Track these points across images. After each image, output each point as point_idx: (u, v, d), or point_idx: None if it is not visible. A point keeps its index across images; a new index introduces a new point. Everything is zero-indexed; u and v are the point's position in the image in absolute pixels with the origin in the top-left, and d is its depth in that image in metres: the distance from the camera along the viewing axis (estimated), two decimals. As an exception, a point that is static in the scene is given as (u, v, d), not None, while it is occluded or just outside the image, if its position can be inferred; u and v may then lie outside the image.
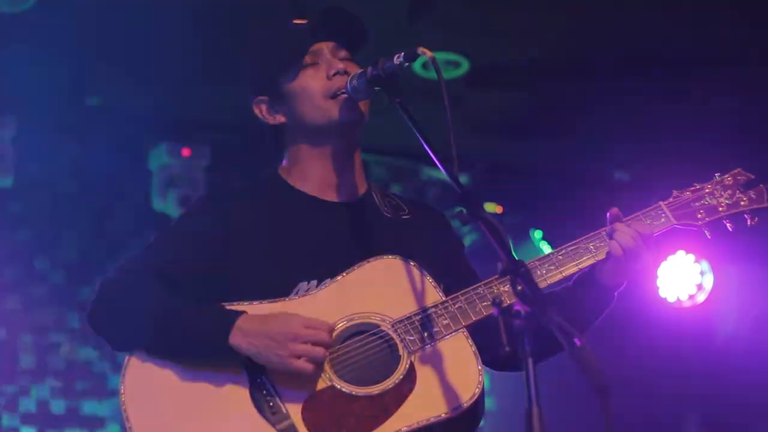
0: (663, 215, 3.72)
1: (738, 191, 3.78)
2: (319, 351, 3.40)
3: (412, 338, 3.47)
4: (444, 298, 3.52)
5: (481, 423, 3.55)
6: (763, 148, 6.89)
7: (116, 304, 3.63)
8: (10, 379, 7.85)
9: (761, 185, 3.80)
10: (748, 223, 3.77)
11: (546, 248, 8.26)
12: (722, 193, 3.78)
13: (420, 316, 3.48)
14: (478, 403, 3.44)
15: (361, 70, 3.63)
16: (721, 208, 3.76)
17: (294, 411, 3.44)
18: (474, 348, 3.47)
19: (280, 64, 3.80)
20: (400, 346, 3.47)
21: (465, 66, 7.52)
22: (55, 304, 8.02)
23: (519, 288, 2.89)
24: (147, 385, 3.52)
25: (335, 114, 3.69)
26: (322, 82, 3.72)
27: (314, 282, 3.59)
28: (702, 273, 8.93)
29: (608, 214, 3.70)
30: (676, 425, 9.11)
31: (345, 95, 3.66)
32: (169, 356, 3.52)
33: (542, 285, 3.55)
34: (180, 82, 7.75)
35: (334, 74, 3.71)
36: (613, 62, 7.58)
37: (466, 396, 3.39)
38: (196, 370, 3.50)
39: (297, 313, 3.46)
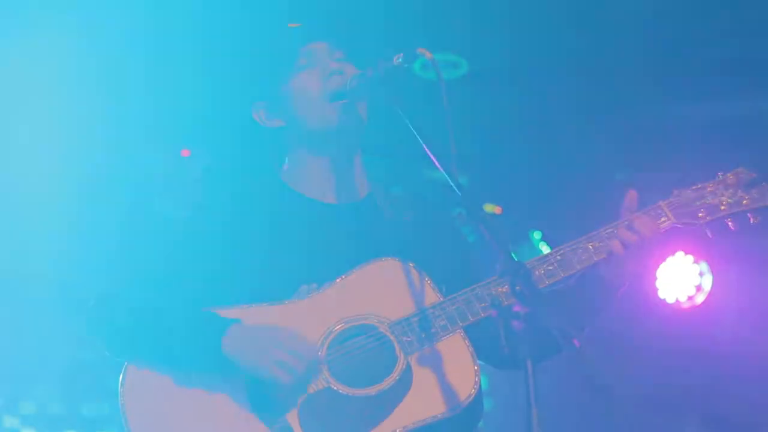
0: (663, 215, 3.69)
1: (740, 190, 3.73)
2: (299, 366, 3.42)
3: (409, 339, 3.47)
4: (442, 299, 3.52)
5: (480, 423, 3.55)
6: (764, 148, 6.88)
7: (114, 312, 3.65)
8: (9, 380, 7.84)
9: (764, 183, 3.75)
10: (751, 221, 3.74)
11: (545, 249, 8.25)
12: (724, 191, 3.73)
13: (417, 318, 3.49)
14: (476, 403, 3.44)
15: (360, 70, 3.63)
16: (722, 207, 3.72)
17: (290, 412, 3.45)
18: (471, 348, 3.47)
19: (273, 67, 3.80)
20: (397, 347, 3.47)
21: (464, 67, 7.52)
22: (55, 305, 8.00)
23: (518, 289, 2.88)
24: (146, 388, 3.54)
25: (335, 120, 3.69)
26: (318, 83, 3.72)
27: (314, 285, 3.60)
28: (701, 274, 8.93)
29: (626, 197, 3.69)
30: (675, 426, 9.10)
31: (343, 99, 3.66)
32: (165, 363, 3.54)
33: (541, 286, 3.54)
34: (179, 82, 7.74)
35: (330, 75, 3.70)
36: (613, 62, 7.58)
37: (463, 396, 3.39)
38: (194, 374, 3.51)
39: (284, 327, 3.47)
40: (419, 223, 3.83)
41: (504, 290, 3.50)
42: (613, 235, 3.62)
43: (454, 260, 3.75)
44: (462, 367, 3.45)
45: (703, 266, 8.93)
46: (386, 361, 3.47)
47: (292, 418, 3.45)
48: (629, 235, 3.58)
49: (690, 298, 8.93)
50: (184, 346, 3.51)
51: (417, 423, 3.39)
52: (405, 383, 3.44)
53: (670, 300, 8.93)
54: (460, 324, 3.49)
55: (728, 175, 3.78)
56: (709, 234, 3.74)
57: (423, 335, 3.47)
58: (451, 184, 3.27)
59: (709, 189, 3.75)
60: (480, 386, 3.43)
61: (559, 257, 3.61)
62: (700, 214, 3.71)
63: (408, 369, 3.45)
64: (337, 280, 3.60)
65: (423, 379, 3.44)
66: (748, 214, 3.74)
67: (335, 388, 3.46)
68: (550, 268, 3.59)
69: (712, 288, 8.91)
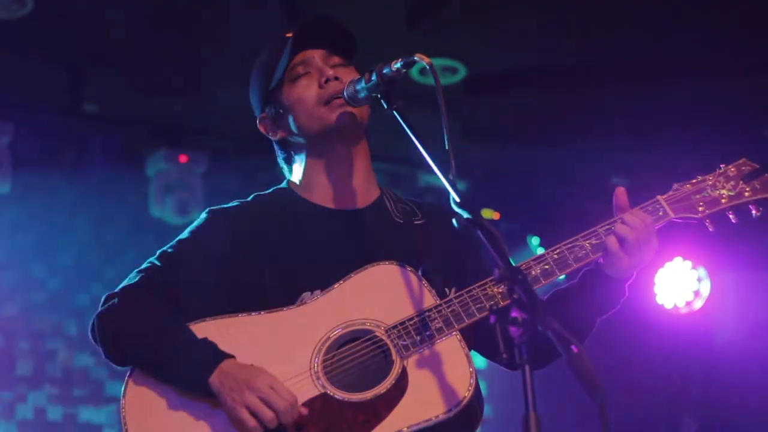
0: (661, 209, 3.64)
1: (742, 181, 3.67)
2: (268, 414, 3.39)
3: (404, 343, 3.47)
4: (438, 302, 3.52)
5: (479, 427, 3.54)
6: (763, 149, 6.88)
7: (116, 321, 3.68)
8: (7, 386, 7.84)
9: (767, 174, 3.68)
10: (753, 214, 3.67)
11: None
12: (725, 184, 3.68)
13: (413, 321, 3.49)
14: (472, 406, 3.42)
15: (358, 76, 3.63)
16: (723, 200, 3.66)
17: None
18: (467, 350, 3.46)
19: (270, 77, 3.81)
20: (393, 351, 3.47)
21: (462, 72, 7.53)
22: (53, 311, 8.01)
23: (516, 295, 2.88)
24: (147, 399, 3.56)
25: (329, 119, 3.69)
26: (315, 90, 3.72)
27: (318, 292, 3.60)
28: (699, 279, 8.95)
29: (615, 194, 3.64)
30: (673, 430, 9.11)
31: (339, 99, 3.66)
32: (158, 378, 3.57)
33: (538, 285, 3.52)
34: (178, 89, 7.76)
35: (326, 81, 3.71)
36: (610, 69, 7.59)
37: (458, 398, 3.38)
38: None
39: (270, 374, 3.46)
40: (431, 226, 3.81)
41: (500, 291, 3.49)
42: (609, 231, 3.58)
43: (467, 263, 3.73)
44: (457, 369, 3.43)
45: (701, 272, 8.94)
46: (383, 365, 3.47)
47: (290, 424, 3.45)
48: (625, 231, 3.54)
49: (688, 303, 8.95)
50: (177, 373, 3.54)
51: (412, 426, 3.38)
52: (401, 387, 3.43)
53: (669, 306, 8.94)
54: (456, 326, 3.48)
55: (730, 167, 3.71)
56: (710, 228, 3.67)
57: (418, 338, 3.47)
58: (449, 189, 3.26)
59: (709, 182, 3.69)
60: (476, 388, 3.42)
61: (555, 256, 3.57)
62: (700, 208, 3.65)
63: (404, 373, 3.45)
64: (335, 286, 3.60)
65: (418, 382, 3.44)
66: (750, 206, 3.66)
67: (331, 393, 3.46)
68: (547, 267, 3.56)
69: (710, 293, 8.93)
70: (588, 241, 3.59)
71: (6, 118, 7.74)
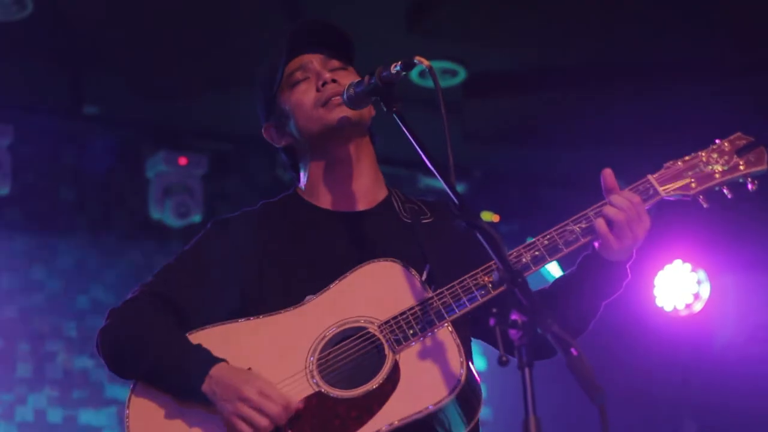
0: (651, 188, 3.58)
1: (736, 156, 3.58)
2: (262, 422, 3.41)
3: (396, 337, 3.47)
4: (430, 295, 3.51)
5: (477, 418, 3.51)
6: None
7: (115, 336, 3.72)
8: (7, 388, 7.84)
9: (761, 147, 3.59)
10: (749, 188, 3.58)
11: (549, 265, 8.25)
12: (719, 159, 3.59)
13: (405, 315, 3.49)
14: (464, 395, 3.41)
15: (358, 78, 3.63)
16: (717, 175, 3.57)
17: None
18: (458, 341, 3.45)
19: (270, 85, 3.82)
20: (386, 346, 3.47)
21: (462, 75, 7.53)
22: (53, 313, 8.01)
23: (515, 298, 2.88)
24: (150, 410, 3.59)
25: (327, 119, 3.70)
26: (313, 94, 3.73)
27: (323, 290, 3.62)
28: (699, 282, 8.94)
29: (602, 176, 3.60)
30: (673, 434, 9.12)
31: (337, 99, 3.67)
32: (158, 388, 3.60)
33: (529, 272, 3.51)
34: (177, 91, 7.76)
35: (323, 84, 3.71)
36: (610, 71, 7.59)
37: (448, 388, 3.37)
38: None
39: (261, 378, 3.48)
40: (440, 224, 3.80)
41: (490, 279, 3.48)
42: (598, 214, 3.54)
43: (477, 260, 3.71)
44: (448, 361, 3.42)
45: (701, 274, 8.94)
46: (376, 361, 3.48)
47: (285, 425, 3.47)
48: (613, 212, 3.49)
49: (688, 306, 8.95)
50: (171, 382, 3.57)
51: (403, 420, 3.38)
52: (393, 381, 3.43)
53: (668, 308, 8.94)
54: (447, 317, 3.48)
55: (724, 142, 3.64)
56: (704, 204, 3.58)
57: (410, 332, 3.46)
58: (449, 192, 3.26)
59: (702, 158, 3.61)
60: (467, 378, 3.39)
61: (546, 242, 3.54)
62: (693, 185, 3.57)
63: (396, 367, 3.45)
64: (331, 286, 3.61)
65: (410, 375, 3.44)
66: (746, 180, 3.57)
67: (325, 391, 3.47)
68: (537, 253, 3.53)
69: (710, 296, 8.92)
70: (578, 225, 3.56)
71: (6, 120, 7.74)
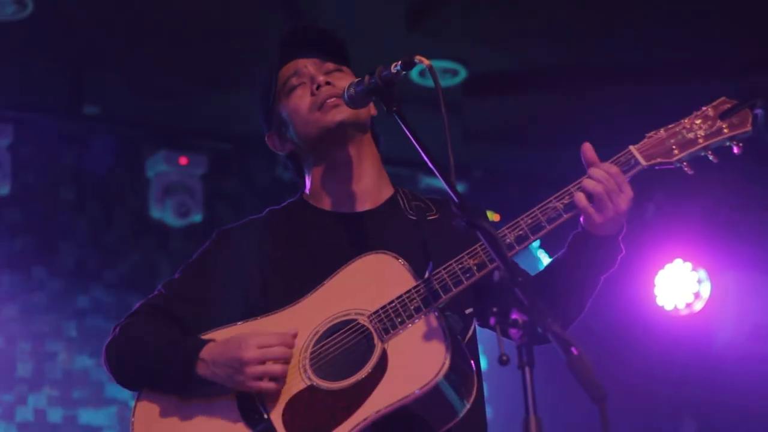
0: (632, 159, 3.53)
1: (719, 120, 3.52)
2: (276, 368, 3.48)
3: (385, 326, 3.48)
4: (417, 282, 3.52)
5: (467, 404, 3.49)
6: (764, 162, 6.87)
7: (118, 349, 3.74)
8: (7, 388, 7.84)
9: (746, 109, 3.52)
10: (735, 151, 3.50)
11: (543, 257, 8.26)
12: (702, 125, 3.52)
13: (393, 304, 3.50)
14: (450, 380, 3.41)
15: (354, 79, 3.63)
16: (699, 140, 3.50)
17: (275, 413, 3.52)
18: (444, 325, 3.45)
19: (266, 95, 3.85)
20: (375, 336, 3.49)
21: (463, 74, 7.53)
22: (53, 312, 8.01)
23: (516, 298, 2.88)
24: (155, 414, 3.65)
25: (324, 121, 3.71)
26: (308, 99, 3.74)
27: (318, 287, 3.64)
28: (699, 281, 8.93)
29: (582, 151, 3.57)
30: (673, 432, 9.11)
31: (332, 100, 3.67)
32: (160, 391, 3.66)
33: (513, 252, 3.49)
34: (177, 90, 7.76)
35: (317, 88, 3.72)
36: (610, 71, 7.59)
37: (432, 372, 3.38)
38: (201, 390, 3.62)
39: (249, 334, 3.54)
40: (446, 220, 3.79)
41: (476, 262, 3.48)
42: (579, 188, 3.51)
43: None
44: (435, 345, 3.43)
45: (702, 273, 8.93)
46: (365, 351, 3.50)
47: (276, 418, 3.51)
48: (591, 185, 3.47)
49: (688, 305, 8.94)
50: (167, 375, 3.62)
51: (390, 405, 3.39)
52: (381, 370, 3.45)
53: (669, 307, 8.93)
54: (434, 303, 3.48)
55: (707, 108, 3.58)
56: (688, 171, 3.50)
57: (398, 320, 3.48)
58: (449, 191, 3.26)
59: (685, 125, 3.55)
60: (452, 362, 3.39)
61: (529, 220, 3.51)
62: (675, 151, 3.51)
63: (384, 356, 3.47)
64: (325, 282, 3.64)
65: (397, 362, 3.45)
66: (731, 143, 3.50)
67: (316, 384, 3.50)
68: (521, 232, 3.50)
69: (710, 295, 8.91)
70: (560, 202, 3.53)
71: (6, 120, 7.75)
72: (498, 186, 8.85)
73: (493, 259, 3.34)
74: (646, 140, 3.57)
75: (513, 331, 2.81)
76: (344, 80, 3.68)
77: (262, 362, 3.47)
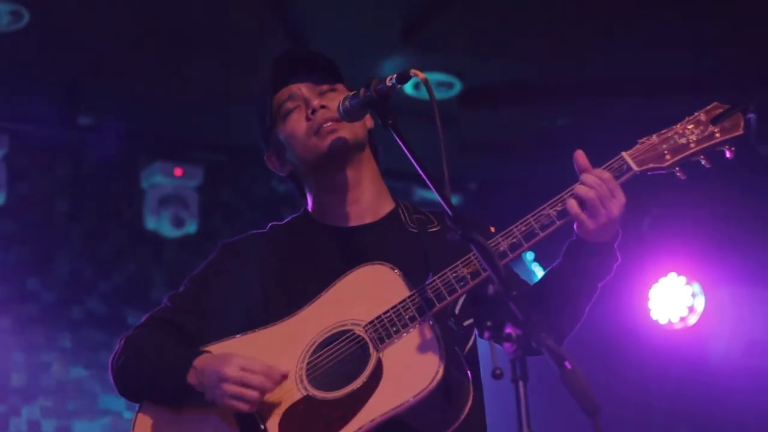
0: (624, 165, 3.53)
1: (711, 124, 3.50)
2: (248, 393, 3.47)
3: (380, 336, 3.50)
4: (412, 291, 3.52)
5: (466, 410, 3.50)
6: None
7: (121, 362, 3.76)
8: (1, 399, 7.83)
9: (738, 113, 3.49)
10: (728, 156, 3.49)
11: (538, 270, 8.26)
12: (694, 130, 3.51)
13: (388, 314, 3.51)
14: (445, 389, 3.41)
15: (351, 92, 3.64)
16: (691, 145, 3.49)
17: (272, 424, 3.53)
18: (438, 334, 3.46)
19: (261, 117, 3.89)
20: (370, 345, 3.50)
21: (458, 87, 7.54)
22: (47, 324, 8.00)
23: (510, 311, 2.88)
24: (153, 424, 3.67)
25: (321, 147, 3.73)
26: (304, 123, 3.76)
27: (315, 299, 3.65)
28: (693, 295, 8.93)
29: (574, 158, 3.57)
30: (667, 447, 9.11)
31: (329, 125, 3.68)
32: (162, 403, 3.68)
33: (507, 260, 3.50)
34: (173, 102, 7.77)
35: (312, 113, 3.74)
36: (605, 83, 7.60)
37: (427, 380, 3.39)
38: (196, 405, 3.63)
39: (238, 354, 3.55)
40: (445, 233, 3.79)
41: (470, 270, 3.48)
42: (571, 195, 3.52)
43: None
44: (429, 354, 3.43)
45: (696, 287, 8.94)
46: (361, 361, 3.51)
47: (272, 428, 3.52)
48: (583, 191, 3.47)
49: (682, 319, 8.94)
50: (162, 383, 3.65)
51: (384, 414, 3.40)
52: (376, 379, 3.47)
53: (663, 321, 8.93)
54: (428, 311, 3.49)
55: (700, 113, 3.55)
56: (681, 176, 3.51)
57: (393, 329, 3.49)
58: (444, 204, 3.27)
59: (677, 130, 3.54)
60: (446, 371, 3.39)
61: (523, 228, 3.53)
62: (667, 156, 3.50)
63: (379, 365, 3.48)
64: (322, 294, 3.65)
65: (392, 371, 3.46)
66: (724, 147, 3.49)
67: (312, 395, 3.52)
68: (514, 240, 3.51)
69: (704, 309, 8.91)
70: (553, 209, 3.54)
71: (1, 131, 7.74)
72: (493, 198, 8.85)
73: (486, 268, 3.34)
74: (638, 146, 3.57)
75: (507, 345, 2.81)
76: (340, 99, 3.69)
77: (240, 383, 3.48)
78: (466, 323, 3.67)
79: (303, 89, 3.81)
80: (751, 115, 3.50)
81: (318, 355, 3.56)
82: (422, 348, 3.46)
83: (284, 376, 3.52)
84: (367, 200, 3.84)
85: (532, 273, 8.15)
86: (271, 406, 3.54)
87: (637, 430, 8.61)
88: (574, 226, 3.55)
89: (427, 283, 3.52)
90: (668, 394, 8.75)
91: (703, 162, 3.52)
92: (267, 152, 3.96)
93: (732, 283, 8.88)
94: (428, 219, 3.88)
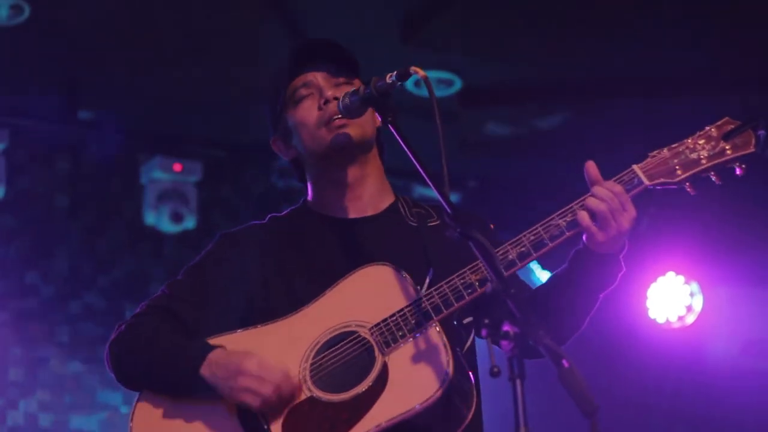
0: (635, 178, 3.52)
1: (722, 141, 3.50)
2: (264, 389, 3.47)
3: (386, 339, 3.48)
4: (419, 296, 3.52)
5: (469, 415, 3.51)
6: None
7: (121, 349, 3.75)
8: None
9: (749, 130, 3.50)
10: (737, 172, 3.50)
11: (537, 268, 8.26)
12: (705, 145, 3.52)
13: (394, 317, 3.50)
14: (451, 395, 3.42)
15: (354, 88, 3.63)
16: (703, 161, 3.50)
17: (275, 424, 3.51)
18: (445, 340, 3.46)
19: (274, 102, 3.85)
20: (375, 348, 3.49)
21: (458, 84, 7.54)
22: (45, 318, 8.00)
23: (508, 309, 2.88)
24: (153, 420, 3.64)
25: (327, 140, 3.71)
26: (315, 112, 3.74)
27: (318, 297, 3.64)
28: (692, 294, 8.94)
29: (585, 169, 3.56)
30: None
31: (339, 120, 3.67)
32: (164, 393, 3.65)
33: (515, 269, 3.50)
34: (173, 97, 7.77)
35: (325, 103, 3.72)
36: (606, 83, 7.60)
37: (434, 387, 3.38)
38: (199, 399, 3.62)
39: (260, 356, 3.53)
40: (444, 229, 3.79)
41: (477, 277, 3.48)
42: (582, 206, 3.51)
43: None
44: (435, 360, 3.43)
45: (694, 286, 8.94)
46: (366, 364, 3.50)
47: (276, 428, 3.50)
48: (595, 204, 3.46)
49: (680, 318, 8.94)
50: (171, 374, 3.62)
51: (390, 420, 3.40)
52: (382, 383, 3.46)
53: (661, 320, 8.94)
54: (435, 317, 3.48)
55: (711, 128, 3.55)
56: (690, 191, 3.52)
57: (399, 333, 3.48)
58: (443, 202, 3.27)
59: (688, 145, 3.54)
60: (453, 377, 3.40)
61: (532, 237, 3.51)
62: (678, 172, 3.51)
63: (384, 369, 3.47)
64: (326, 292, 3.63)
65: (398, 376, 3.46)
66: (734, 165, 3.50)
67: (316, 396, 3.50)
68: (523, 249, 3.51)
69: (702, 308, 8.92)
70: (563, 219, 3.53)
71: (0, 125, 7.74)
72: (492, 196, 8.85)
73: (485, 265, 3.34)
74: (649, 159, 3.57)
75: (504, 343, 2.81)
76: None
77: (258, 377, 3.47)
78: (465, 321, 3.66)
79: (319, 78, 3.78)
80: (762, 132, 3.49)
81: (322, 356, 3.54)
82: (429, 354, 3.45)
83: (297, 388, 3.51)
84: (370, 192, 3.83)
85: (531, 271, 8.15)
86: (276, 405, 3.52)
87: (635, 429, 8.61)
88: (583, 237, 3.54)
89: (434, 288, 3.51)
90: (666, 393, 8.76)
91: (713, 178, 3.53)
92: (273, 135, 3.94)
93: (730, 282, 8.89)
94: (428, 213, 3.87)
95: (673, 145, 3.57)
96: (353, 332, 3.54)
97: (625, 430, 8.27)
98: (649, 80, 7.50)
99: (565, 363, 2.70)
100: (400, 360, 3.47)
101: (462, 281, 3.49)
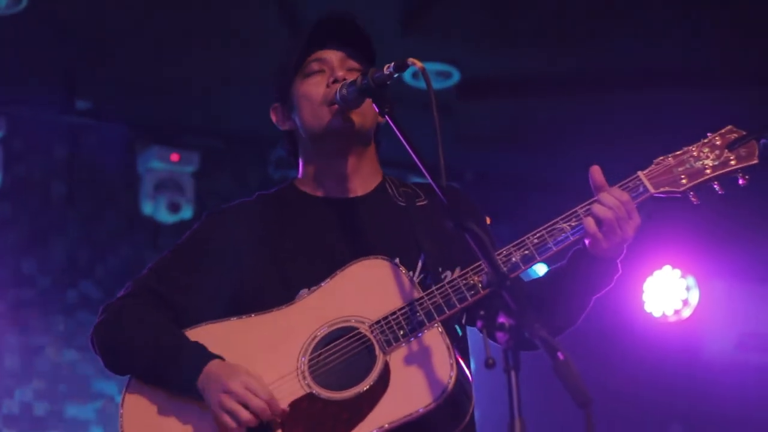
0: (641, 185, 3.53)
1: (727, 150, 3.52)
2: (244, 414, 3.43)
3: (387, 338, 3.46)
4: (420, 295, 3.50)
5: (467, 418, 3.51)
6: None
7: (110, 332, 3.73)
8: (-6, 380, 7.84)
9: (753, 141, 3.51)
10: (740, 183, 3.52)
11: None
12: (709, 154, 3.53)
13: (396, 315, 3.48)
14: (454, 398, 3.41)
15: (352, 79, 3.62)
16: (707, 170, 3.51)
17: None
18: (448, 342, 3.44)
19: (284, 70, 3.81)
20: (376, 346, 3.47)
21: (456, 77, 7.53)
22: (42, 307, 8.00)
23: (503, 301, 2.88)
24: (144, 409, 3.62)
25: (326, 121, 3.68)
26: (322, 89, 3.71)
27: (315, 288, 3.61)
28: (688, 288, 8.95)
29: (590, 173, 3.56)
30: (659, 440, 9.12)
31: (337, 105, 3.65)
32: (152, 384, 3.64)
33: (518, 272, 3.50)
34: (170, 87, 7.76)
35: (333, 82, 3.69)
36: (603, 76, 7.60)
37: (437, 391, 3.37)
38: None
39: (247, 372, 3.50)
40: (434, 205, 3.77)
41: (480, 279, 3.46)
42: (587, 212, 3.51)
43: (467, 246, 3.69)
44: (438, 362, 3.41)
45: (690, 280, 8.95)
46: (367, 362, 3.47)
47: (275, 426, 3.47)
48: (602, 211, 3.47)
49: (677, 312, 8.96)
50: (168, 378, 3.60)
51: (393, 422, 3.38)
52: (384, 383, 3.43)
53: (657, 314, 8.95)
54: (437, 318, 3.46)
55: (715, 136, 3.56)
56: (694, 201, 3.53)
57: (400, 333, 3.46)
58: (439, 194, 3.26)
59: (693, 153, 3.55)
60: (457, 380, 3.38)
61: (536, 240, 3.51)
62: (683, 180, 3.52)
63: (386, 368, 3.45)
64: (322, 284, 3.61)
65: (400, 377, 3.43)
66: (737, 175, 3.51)
67: (316, 393, 3.47)
68: (527, 252, 3.50)
69: (699, 302, 8.93)
70: (567, 224, 3.53)
71: (-2, 113, 7.76)
72: (489, 189, 8.85)
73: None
74: (653, 167, 3.57)
75: (499, 335, 2.81)
76: None
77: (241, 401, 3.43)
78: (463, 321, 3.66)
79: (334, 57, 3.76)
80: (765, 141, 3.51)
81: (322, 351, 3.51)
82: (431, 356, 3.43)
83: (284, 412, 3.46)
84: (360, 175, 3.80)
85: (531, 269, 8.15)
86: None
87: (630, 422, 8.62)
88: (585, 240, 3.54)
89: (436, 287, 3.50)
90: (661, 386, 8.76)
91: (716, 188, 3.54)
92: (275, 103, 3.91)
93: (726, 276, 8.90)
94: (415, 192, 3.86)
95: (677, 153, 3.58)
96: (353, 328, 3.52)
97: (620, 422, 8.28)
98: (648, 73, 7.49)
99: (560, 355, 2.70)
100: (401, 360, 3.45)
101: (464, 282, 3.48)
